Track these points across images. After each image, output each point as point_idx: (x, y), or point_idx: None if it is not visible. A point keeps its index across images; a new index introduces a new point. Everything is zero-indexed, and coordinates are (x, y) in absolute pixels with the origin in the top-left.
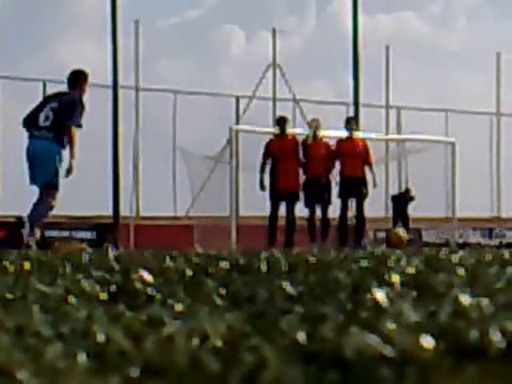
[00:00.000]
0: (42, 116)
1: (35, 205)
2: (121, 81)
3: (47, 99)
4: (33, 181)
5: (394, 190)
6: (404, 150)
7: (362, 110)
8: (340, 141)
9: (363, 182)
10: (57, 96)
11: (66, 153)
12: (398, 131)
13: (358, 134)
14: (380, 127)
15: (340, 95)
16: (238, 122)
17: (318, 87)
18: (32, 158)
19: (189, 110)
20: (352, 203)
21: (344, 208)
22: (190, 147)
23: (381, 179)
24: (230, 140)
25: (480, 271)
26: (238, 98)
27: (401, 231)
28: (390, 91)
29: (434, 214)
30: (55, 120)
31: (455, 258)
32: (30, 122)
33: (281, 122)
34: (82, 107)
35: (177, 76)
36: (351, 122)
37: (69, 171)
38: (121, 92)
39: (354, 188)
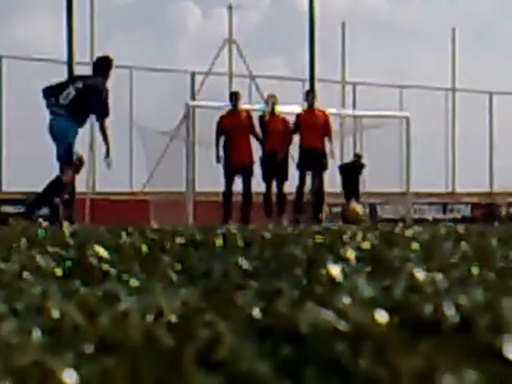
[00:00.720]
0: (63, 94)
1: (50, 182)
2: (76, 57)
3: (72, 79)
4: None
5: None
6: (359, 125)
7: (318, 86)
8: (300, 113)
9: (323, 154)
10: (82, 78)
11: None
12: (354, 106)
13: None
14: (336, 103)
15: (296, 71)
16: (193, 98)
17: (274, 63)
18: (53, 135)
19: (145, 86)
20: (308, 178)
21: (302, 180)
22: (146, 123)
23: (336, 154)
24: (186, 116)
25: (434, 246)
26: (193, 74)
27: (358, 207)
28: (346, 67)
29: (389, 189)
30: (75, 99)
31: (410, 233)
32: (51, 94)
33: (233, 97)
34: (107, 94)
35: (133, 52)
36: (311, 95)
37: (109, 163)
38: (76, 68)
39: (314, 160)
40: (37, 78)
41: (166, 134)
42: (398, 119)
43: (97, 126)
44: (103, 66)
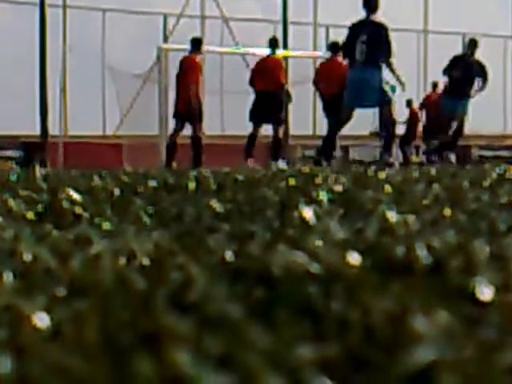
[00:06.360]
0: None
1: None
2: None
3: None
4: None
5: (321, 108)
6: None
7: (290, 28)
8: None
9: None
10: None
11: None
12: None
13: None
14: (308, 45)
15: (268, 13)
16: (166, 41)
17: (246, 5)
18: None
19: (118, 29)
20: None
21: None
22: (118, 66)
23: (309, 97)
24: (159, 59)
25: (407, 188)
26: (166, 17)
27: None
28: (319, 9)
29: (361, 132)
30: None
31: (382, 175)
32: None
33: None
34: None
35: None
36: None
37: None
38: (48, 10)
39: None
40: (8, 21)
41: (138, 77)
42: None
43: (70, 66)
44: None
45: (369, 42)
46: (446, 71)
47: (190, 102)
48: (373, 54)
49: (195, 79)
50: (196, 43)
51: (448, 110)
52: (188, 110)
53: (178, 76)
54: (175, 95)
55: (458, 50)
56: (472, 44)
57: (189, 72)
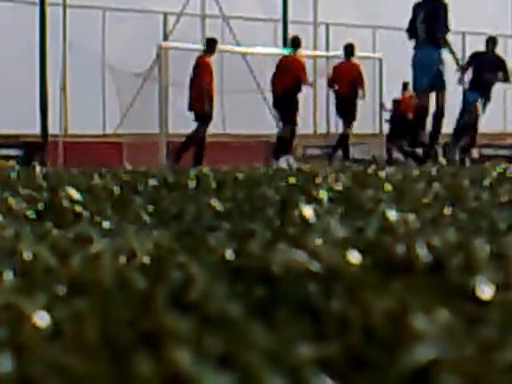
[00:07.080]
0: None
1: None
2: None
3: None
4: None
5: (322, 107)
6: (332, 66)
7: (290, 27)
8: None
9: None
10: None
11: None
12: (327, 48)
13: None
14: (308, 44)
15: (269, 12)
16: (166, 39)
17: (246, 4)
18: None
19: (118, 27)
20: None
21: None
22: (118, 64)
23: (309, 96)
24: (159, 57)
25: (407, 187)
26: (166, 15)
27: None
28: (319, 7)
29: (361, 131)
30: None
31: (382, 174)
32: None
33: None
34: None
35: None
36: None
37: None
38: (48, 9)
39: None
40: (8, 20)
41: (138, 76)
42: (371, 60)
43: (70, 65)
44: None
45: (427, 19)
46: (464, 66)
47: (203, 101)
48: (432, 31)
49: (207, 79)
50: (209, 44)
51: (469, 103)
52: (200, 109)
53: (192, 76)
54: (189, 95)
55: (459, 48)
56: (491, 41)
57: (201, 72)
